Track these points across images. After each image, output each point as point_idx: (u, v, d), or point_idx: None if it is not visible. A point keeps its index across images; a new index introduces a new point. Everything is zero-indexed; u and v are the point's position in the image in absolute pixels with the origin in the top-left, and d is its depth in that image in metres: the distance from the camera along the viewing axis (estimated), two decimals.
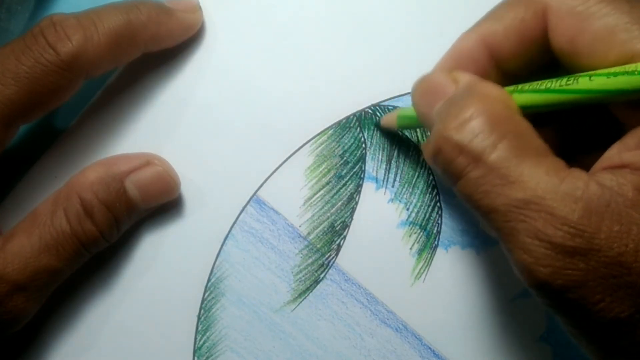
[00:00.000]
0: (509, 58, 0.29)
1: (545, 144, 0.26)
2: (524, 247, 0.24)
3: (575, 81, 0.26)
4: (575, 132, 0.30)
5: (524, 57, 0.29)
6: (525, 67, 0.30)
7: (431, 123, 0.28)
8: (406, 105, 0.35)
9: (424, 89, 0.29)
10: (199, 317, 0.35)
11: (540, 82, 0.27)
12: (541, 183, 0.24)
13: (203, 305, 0.35)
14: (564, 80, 0.26)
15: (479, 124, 0.26)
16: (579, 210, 0.24)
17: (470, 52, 0.30)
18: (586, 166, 0.26)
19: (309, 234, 0.35)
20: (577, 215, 0.23)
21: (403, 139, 0.35)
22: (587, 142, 0.29)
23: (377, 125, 0.35)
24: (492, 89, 0.27)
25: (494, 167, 0.25)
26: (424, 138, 0.35)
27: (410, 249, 0.34)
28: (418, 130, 0.35)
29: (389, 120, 0.34)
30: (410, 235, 0.35)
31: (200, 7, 0.36)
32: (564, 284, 0.24)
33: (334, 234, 0.35)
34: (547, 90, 0.27)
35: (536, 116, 0.27)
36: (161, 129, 0.36)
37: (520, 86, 0.28)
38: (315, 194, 0.35)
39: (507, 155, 0.25)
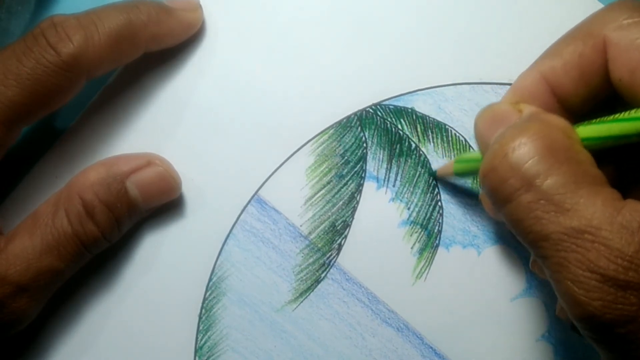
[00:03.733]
0: (570, 93, 0.29)
1: (602, 174, 0.25)
2: (575, 279, 0.24)
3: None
4: (631, 163, 0.29)
5: (585, 92, 0.29)
6: (587, 103, 0.29)
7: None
8: (406, 104, 0.35)
9: (488, 116, 0.29)
10: (200, 317, 0.35)
11: (604, 117, 0.27)
12: (597, 213, 0.24)
13: (204, 305, 0.35)
14: (629, 112, 0.26)
15: (537, 148, 0.25)
16: (635, 243, 0.23)
17: (531, 90, 0.29)
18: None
19: (310, 233, 0.35)
20: (633, 249, 0.23)
21: (404, 139, 0.35)
22: None
23: (434, 176, 0.35)
24: (554, 117, 0.27)
25: (548, 193, 0.24)
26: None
27: (412, 248, 0.35)
28: (419, 131, 0.35)
29: (445, 169, 0.34)
30: (411, 235, 0.35)
31: (200, 6, 0.36)
32: (614, 318, 0.23)
33: (335, 233, 0.35)
34: (614, 120, 0.26)
35: (594, 153, 0.27)
36: (161, 129, 0.36)
37: (584, 122, 0.27)
38: (316, 194, 0.35)
39: (563, 182, 0.24)
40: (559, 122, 0.27)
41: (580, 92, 0.29)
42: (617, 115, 0.26)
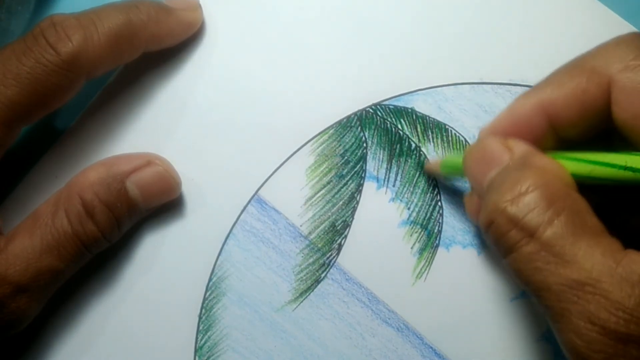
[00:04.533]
0: (568, 125, 0.28)
1: (601, 224, 0.25)
2: (576, 330, 0.24)
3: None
4: (620, 197, 0.29)
5: (583, 126, 0.28)
6: (583, 135, 0.29)
7: (482, 190, 0.28)
8: (406, 104, 0.35)
9: (477, 155, 0.29)
10: (200, 317, 0.35)
11: (601, 154, 0.27)
12: (597, 265, 0.24)
13: (204, 305, 0.35)
14: (629, 157, 0.26)
15: (535, 198, 0.25)
16: (636, 296, 0.23)
17: (527, 117, 0.29)
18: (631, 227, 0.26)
19: (310, 233, 0.35)
20: (634, 302, 0.23)
21: (404, 139, 0.35)
22: (631, 206, 0.29)
23: (422, 168, 0.35)
24: (548, 163, 0.27)
25: (548, 244, 0.24)
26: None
27: (412, 248, 0.35)
28: (419, 130, 0.35)
29: (432, 166, 0.34)
30: (411, 235, 0.35)
31: (200, 6, 0.36)
32: None
33: (335, 233, 0.35)
34: (611, 165, 0.26)
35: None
36: (161, 129, 0.36)
37: (576, 155, 0.27)
38: (316, 194, 0.35)
39: (562, 233, 0.24)
40: (554, 167, 0.27)
41: (580, 125, 0.28)
42: (612, 157, 0.26)
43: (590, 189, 0.27)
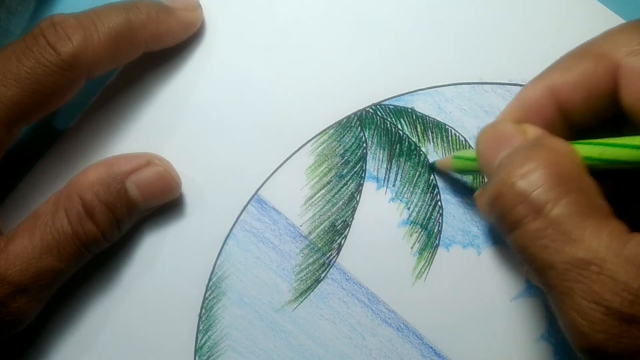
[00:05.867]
0: (577, 110, 0.29)
1: (608, 205, 0.25)
2: (579, 310, 0.24)
3: None
4: (631, 185, 0.29)
5: (591, 110, 0.29)
6: (593, 120, 0.29)
7: (492, 170, 0.28)
8: (406, 104, 0.35)
9: (491, 135, 0.29)
10: (200, 317, 0.35)
11: (612, 138, 0.27)
12: (603, 245, 0.24)
13: (204, 305, 0.35)
14: (631, 139, 0.26)
15: (544, 176, 0.25)
16: None
17: (537, 102, 0.29)
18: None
19: (310, 233, 0.35)
20: (639, 283, 0.23)
21: (404, 139, 0.35)
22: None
23: (433, 167, 0.35)
24: (560, 144, 0.27)
25: (555, 222, 0.24)
26: (479, 183, 0.35)
27: (412, 248, 0.35)
28: (419, 130, 0.35)
29: (444, 163, 0.34)
30: (411, 235, 0.35)
31: (200, 6, 0.36)
32: (617, 352, 0.23)
33: (335, 233, 0.35)
34: (620, 145, 0.26)
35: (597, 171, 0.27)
36: (161, 129, 0.36)
37: (588, 141, 0.27)
38: (316, 194, 0.35)
39: (570, 212, 0.24)
40: (566, 148, 0.27)
41: (588, 110, 0.29)
42: (623, 140, 0.26)
43: (601, 176, 0.26)
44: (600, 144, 0.27)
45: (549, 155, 0.26)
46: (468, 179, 0.35)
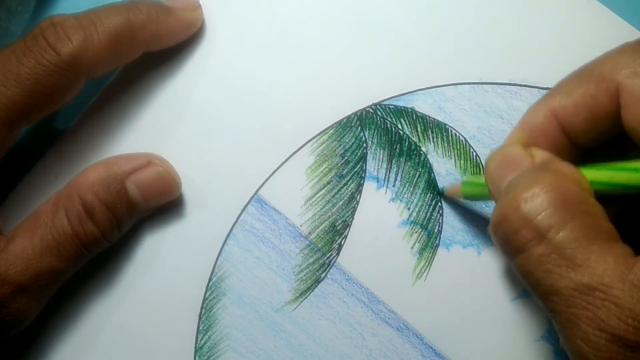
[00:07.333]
0: (581, 132, 0.28)
1: (614, 230, 0.25)
2: (584, 337, 0.23)
3: None
4: (636, 208, 0.29)
5: (595, 132, 0.28)
6: (599, 141, 0.29)
7: (499, 193, 0.27)
8: (406, 104, 0.35)
9: (499, 159, 0.29)
10: (200, 317, 0.35)
11: (621, 162, 0.26)
12: (608, 270, 0.23)
13: (204, 305, 0.35)
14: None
15: (549, 200, 0.25)
16: None
17: (541, 126, 0.29)
18: None
19: (310, 233, 0.35)
20: None
21: (404, 139, 0.35)
22: None
23: (442, 195, 0.35)
24: (567, 168, 0.27)
25: (560, 247, 0.24)
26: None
27: (412, 248, 0.35)
28: (419, 130, 0.35)
29: (453, 190, 0.34)
30: (411, 235, 0.35)
31: (200, 6, 0.36)
32: None
33: (335, 233, 0.35)
34: (625, 169, 0.26)
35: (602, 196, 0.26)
36: (161, 129, 0.36)
37: (597, 165, 0.27)
38: (316, 194, 0.35)
39: (575, 236, 0.24)
40: (572, 172, 0.26)
41: (591, 131, 0.28)
42: (633, 164, 0.26)
43: (607, 201, 0.26)
44: (609, 169, 0.26)
45: (554, 179, 0.26)
46: (476, 203, 0.34)
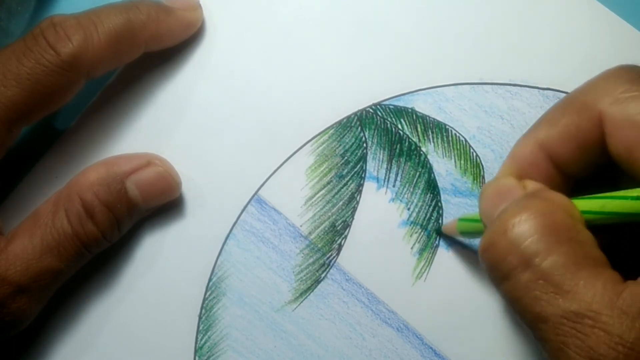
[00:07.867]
0: (569, 162, 0.28)
1: (603, 256, 0.25)
2: None
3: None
4: (626, 236, 0.29)
5: (583, 161, 0.28)
6: (587, 170, 0.29)
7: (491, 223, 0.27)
8: (406, 104, 0.35)
9: (491, 190, 0.29)
10: (200, 317, 0.35)
11: (610, 192, 0.26)
12: (597, 296, 0.23)
13: (204, 305, 0.35)
14: (630, 191, 0.25)
15: (536, 226, 0.25)
16: (636, 330, 0.22)
17: (530, 158, 0.29)
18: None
19: (310, 233, 0.35)
20: (634, 336, 0.22)
21: (404, 139, 0.35)
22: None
23: (439, 233, 0.35)
24: (557, 196, 0.26)
25: (547, 273, 0.24)
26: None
27: (412, 248, 0.35)
28: (419, 130, 0.35)
29: (449, 227, 0.34)
30: (411, 235, 0.35)
31: (200, 6, 0.36)
32: None
33: (335, 233, 0.35)
34: (615, 197, 0.26)
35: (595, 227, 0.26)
36: (161, 129, 0.36)
37: (589, 196, 0.27)
38: (316, 194, 0.35)
39: (563, 262, 0.24)
40: (562, 200, 0.26)
41: (579, 161, 0.28)
42: (624, 192, 0.26)
43: (598, 230, 0.26)
44: (600, 197, 0.26)
45: (543, 206, 0.25)
46: (474, 239, 0.34)
